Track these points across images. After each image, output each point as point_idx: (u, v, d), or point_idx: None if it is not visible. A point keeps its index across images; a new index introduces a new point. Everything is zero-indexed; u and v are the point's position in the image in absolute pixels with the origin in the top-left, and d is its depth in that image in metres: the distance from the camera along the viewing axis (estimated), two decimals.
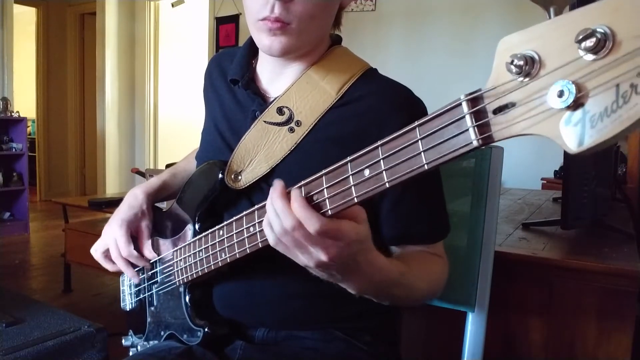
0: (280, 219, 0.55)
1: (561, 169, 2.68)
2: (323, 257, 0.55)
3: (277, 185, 0.57)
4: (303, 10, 0.70)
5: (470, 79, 3.42)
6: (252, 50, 0.86)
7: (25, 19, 6.02)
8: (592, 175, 1.35)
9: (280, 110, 0.78)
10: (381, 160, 0.49)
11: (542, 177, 2.98)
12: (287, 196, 0.56)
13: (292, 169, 0.75)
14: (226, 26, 4.60)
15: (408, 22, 3.76)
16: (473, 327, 1.01)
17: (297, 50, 0.76)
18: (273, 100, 0.79)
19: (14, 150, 4.50)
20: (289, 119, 0.77)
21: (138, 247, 0.92)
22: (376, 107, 0.76)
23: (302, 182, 0.57)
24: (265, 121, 0.78)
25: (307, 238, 0.54)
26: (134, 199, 0.92)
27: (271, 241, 0.58)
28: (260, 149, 0.77)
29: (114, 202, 2.76)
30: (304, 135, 0.76)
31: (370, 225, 0.59)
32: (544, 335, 1.14)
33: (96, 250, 0.92)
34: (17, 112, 4.59)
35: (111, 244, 0.89)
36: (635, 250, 1.20)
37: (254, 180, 0.77)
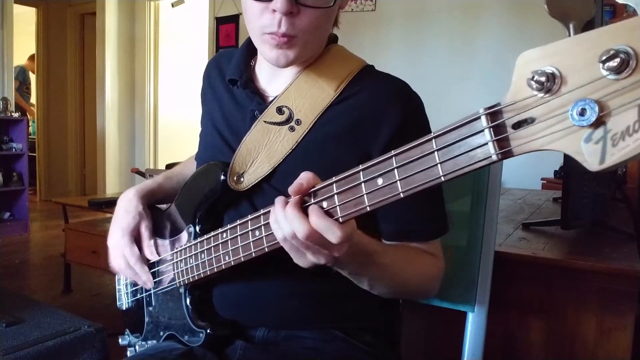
0: (293, 226, 0.56)
1: (561, 169, 2.68)
2: (336, 252, 0.57)
3: (291, 198, 0.57)
4: (308, 23, 0.71)
5: (470, 79, 3.42)
6: (250, 50, 0.86)
7: (25, 19, 6.02)
8: (592, 175, 1.35)
9: (279, 110, 0.78)
10: (395, 170, 0.49)
11: (542, 177, 2.98)
12: (297, 206, 0.57)
13: (294, 168, 0.75)
14: (226, 26, 4.60)
15: (408, 22, 3.76)
16: (473, 327, 1.01)
17: (302, 59, 0.76)
18: (272, 100, 0.80)
19: (14, 150, 4.50)
20: (289, 118, 0.77)
21: (140, 249, 0.91)
22: (372, 100, 0.76)
23: (313, 189, 0.57)
24: (265, 121, 0.78)
25: (322, 244, 0.56)
26: (128, 202, 0.90)
27: (279, 238, 0.59)
28: (261, 149, 0.77)
29: (114, 202, 2.73)
30: (305, 133, 0.76)
31: (367, 220, 0.61)
32: (544, 335, 1.14)
33: (117, 265, 0.90)
34: (18, 112, 4.59)
35: (120, 256, 0.88)
36: (635, 250, 1.20)
37: (256, 181, 0.77)
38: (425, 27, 3.67)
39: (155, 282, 0.91)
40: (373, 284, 0.71)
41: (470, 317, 1.01)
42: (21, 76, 5.78)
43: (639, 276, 1.03)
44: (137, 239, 0.91)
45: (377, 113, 0.75)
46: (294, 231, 0.56)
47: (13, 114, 4.50)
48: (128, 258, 0.88)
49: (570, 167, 1.26)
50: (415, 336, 1.24)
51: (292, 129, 0.77)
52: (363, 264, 0.66)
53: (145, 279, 0.88)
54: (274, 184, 0.77)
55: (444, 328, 1.21)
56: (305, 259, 0.60)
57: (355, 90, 0.78)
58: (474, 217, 1.01)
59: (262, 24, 0.71)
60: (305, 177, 0.57)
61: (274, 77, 0.82)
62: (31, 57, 6.13)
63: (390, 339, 0.88)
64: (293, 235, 0.56)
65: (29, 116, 5.79)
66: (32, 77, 6.22)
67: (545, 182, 2.93)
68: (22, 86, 5.90)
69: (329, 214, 0.55)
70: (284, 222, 0.57)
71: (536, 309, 1.16)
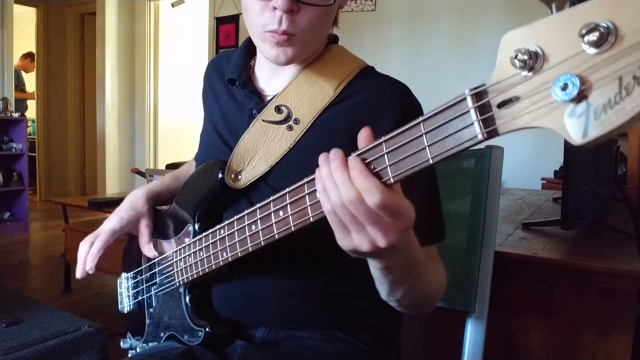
0: (340, 191, 0.50)
1: (561, 169, 2.68)
2: (381, 241, 0.51)
3: (338, 154, 0.52)
4: (308, 21, 0.71)
5: (470, 78, 3.41)
6: (249, 50, 0.86)
7: (25, 19, 6.02)
8: (592, 175, 1.36)
9: (278, 109, 0.78)
10: (385, 155, 0.49)
11: (542, 177, 2.98)
12: (347, 166, 0.51)
13: (291, 168, 0.75)
14: (226, 26, 4.60)
15: (408, 22, 3.76)
16: (473, 327, 1.01)
17: (302, 58, 0.76)
18: (271, 99, 0.80)
19: (14, 150, 4.50)
20: (288, 117, 0.77)
21: (138, 248, 0.91)
22: (371, 100, 0.76)
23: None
24: (263, 120, 0.78)
25: (366, 213, 0.50)
26: (136, 199, 0.92)
27: (326, 210, 0.53)
28: (259, 148, 0.77)
29: (114, 202, 2.75)
30: (303, 132, 0.76)
31: None
32: (544, 335, 1.14)
33: (86, 240, 0.90)
34: (18, 112, 4.60)
35: (95, 233, 0.89)
36: (635, 250, 1.20)
37: (254, 179, 0.77)
38: (425, 27, 3.67)
39: (155, 283, 0.91)
40: (408, 293, 0.67)
41: (470, 317, 1.01)
42: (15, 79, 5.79)
43: (639, 276, 1.03)
44: (136, 237, 0.91)
45: (375, 113, 0.75)
46: (342, 197, 0.50)
47: (13, 114, 4.50)
48: (96, 240, 0.88)
49: (570, 167, 1.26)
50: (415, 336, 1.24)
51: (290, 128, 0.77)
52: (408, 273, 0.64)
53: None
54: (271, 183, 0.77)
55: (444, 328, 1.21)
56: (349, 240, 0.53)
57: (354, 90, 0.78)
58: (474, 217, 1.02)
59: (262, 21, 0.71)
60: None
61: (273, 76, 0.82)
62: (23, 57, 6.12)
63: (390, 339, 0.88)
64: (342, 203, 0.50)
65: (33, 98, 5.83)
66: (26, 76, 6.20)
67: (545, 182, 2.93)
68: (18, 88, 5.89)
69: None
70: (333, 189, 0.51)
71: (536, 309, 1.16)
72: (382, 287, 0.66)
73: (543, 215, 1.69)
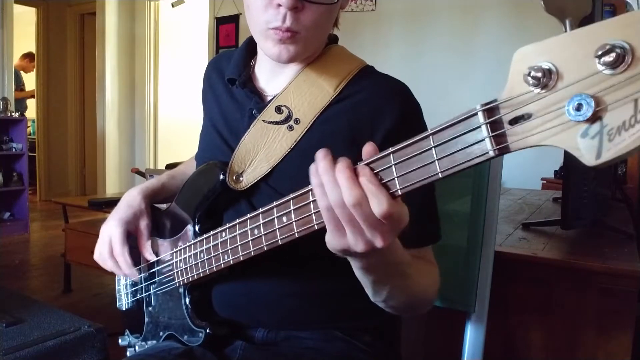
0: (342, 189, 0.49)
1: (561, 169, 2.68)
2: (378, 242, 0.51)
3: (345, 159, 0.51)
4: (312, 20, 0.71)
5: (470, 78, 3.42)
6: (250, 50, 0.86)
7: (25, 19, 6.02)
8: (592, 175, 1.35)
9: (278, 109, 0.78)
10: (393, 167, 0.49)
11: (542, 177, 2.98)
12: (353, 169, 0.50)
13: (292, 168, 0.75)
14: (226, 26, 4.60)
15: (408, 22, 3.76)
16: (473, 327, 1.01)
17: (303, 56, 0.76)
18: (271, 99, 0.80)
19: (14, 150, 4.50)
20: (288, 117, 0.77)
21: (137, 247, 0.91)
22: (371, 99, 0.76)
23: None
24: (264, 120, 0.78)
25: (368, 218, 0.49)
26: (132, 198, 0.91)
27: (322, 206, 0.52)
28: (260, 149, 0.77)
29: (114, 202, 2.72)
30: (303, 132, 0.76)
31: None
32: (544, 335, 1.14)
33: (99, 253, 0.89)
34: (18, 112, 4.60)
35: (105, 242, 0.87)
36: (635, 250, 1.20)
37: (255, 180, 0.77)
38: (425, 26, 3.67)
39: (154, 282, 0.91)
40: (393, 294, 0.67)
41: (471, 317, 1.01)
42: (15, 80, 5.78)
43: (639, 276, 1.03)
44: (134, 236, 0.91)
45: (374, 112, 0.75)
46: (343, 196, 0.49)
47: (13, 114, 4.50)
48: (114, 246, 0.86)
49: (570, 167, 1.26)
50: (415, 336, 1.24)
51: (290, 128, 0.77)
52: (390, 274, 0.63)
53: (127, 272, 0.86)
54: (272, 184, 0.77)
55: (444, 328, 1.21)
56: (343, 239, 0.53)
57: (354, 89, 0.78)
58: (474, 217, 1.01)
59: (266, 18, 0.71)
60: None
61: (273, 76, 0.82)
62: (22, 57, 6.11)
63: (390, 339, 0.88)
64: (342, 203, 0.50)
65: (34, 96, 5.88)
66: (25, 76, 6.20)
67: (545, 182, 2.93)
68: (17, 88, 5.89)
69: None
70: (332, 186, 0.50)
71: (536, 309, 1.16)
72: (367, 288, 0.66)
73: (543, 215, 1.69)
